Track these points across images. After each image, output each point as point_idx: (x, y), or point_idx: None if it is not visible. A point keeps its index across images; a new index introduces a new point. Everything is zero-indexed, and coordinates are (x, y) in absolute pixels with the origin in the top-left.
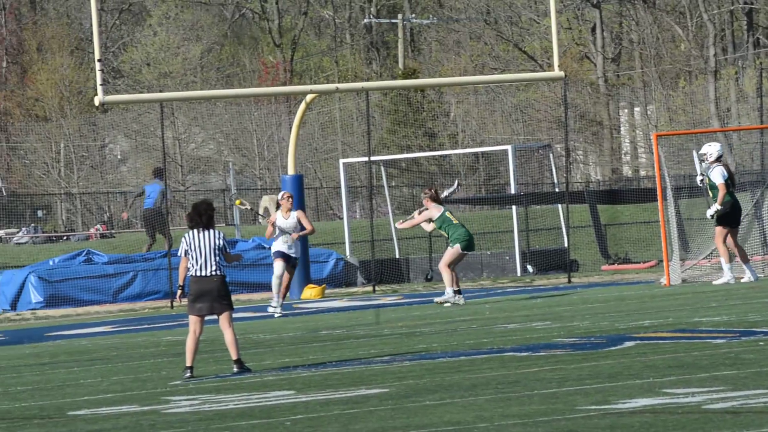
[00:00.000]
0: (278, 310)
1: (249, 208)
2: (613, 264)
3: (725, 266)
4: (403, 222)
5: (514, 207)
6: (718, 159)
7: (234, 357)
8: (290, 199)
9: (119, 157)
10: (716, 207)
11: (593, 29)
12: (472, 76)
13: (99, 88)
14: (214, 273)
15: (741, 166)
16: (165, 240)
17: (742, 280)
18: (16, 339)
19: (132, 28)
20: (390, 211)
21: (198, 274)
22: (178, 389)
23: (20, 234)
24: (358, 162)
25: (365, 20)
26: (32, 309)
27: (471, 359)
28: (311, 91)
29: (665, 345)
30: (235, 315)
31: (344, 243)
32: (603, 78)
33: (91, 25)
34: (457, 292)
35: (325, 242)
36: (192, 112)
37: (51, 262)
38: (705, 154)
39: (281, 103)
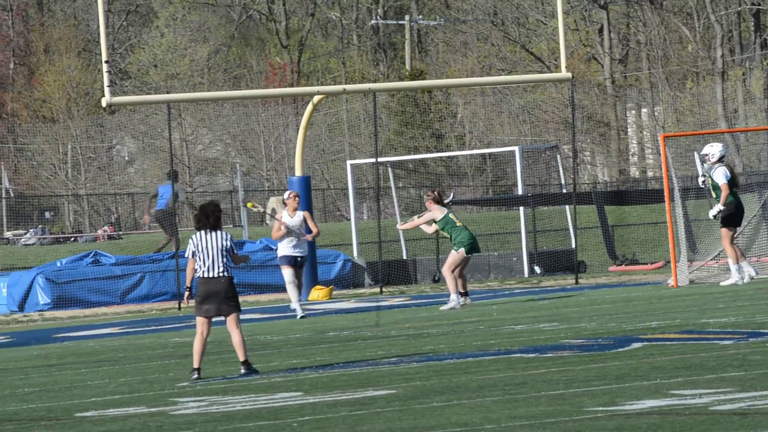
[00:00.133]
0: (299, 310)
1: (261, 210)
2: (621, 265)
3: (733, 267)
4: (404, 223)
5: (521, 208)
6: (720, 159)
7: (241, 358)
8: (296, 198)
9: (126, 158)
10: (719, 208)
11: (600, 30)
12: (480, 78)
13: (106, 90)
14: (221, 274)
15: (748, 167)
16: (172, 241)
17: (722, 283)
18: (23, 340)
19: (139, 29)
20: (397, 212)
21: (205, 275)
22: (186, 391)
23: (28, 235)
24: (366, 163)
25: (372, 21)
26: (40, 310)
27: (478, 360)
28: (318, 93)
29: (673, 346)
30: (242, 316)
31: (352, 244)
32: (610, 79)
33: (99, 27)
34: (464, 294)
35: (332, 243)
36: (199, 114)
37: (58, 264)
38: (707, 155)
39: (288, 105)
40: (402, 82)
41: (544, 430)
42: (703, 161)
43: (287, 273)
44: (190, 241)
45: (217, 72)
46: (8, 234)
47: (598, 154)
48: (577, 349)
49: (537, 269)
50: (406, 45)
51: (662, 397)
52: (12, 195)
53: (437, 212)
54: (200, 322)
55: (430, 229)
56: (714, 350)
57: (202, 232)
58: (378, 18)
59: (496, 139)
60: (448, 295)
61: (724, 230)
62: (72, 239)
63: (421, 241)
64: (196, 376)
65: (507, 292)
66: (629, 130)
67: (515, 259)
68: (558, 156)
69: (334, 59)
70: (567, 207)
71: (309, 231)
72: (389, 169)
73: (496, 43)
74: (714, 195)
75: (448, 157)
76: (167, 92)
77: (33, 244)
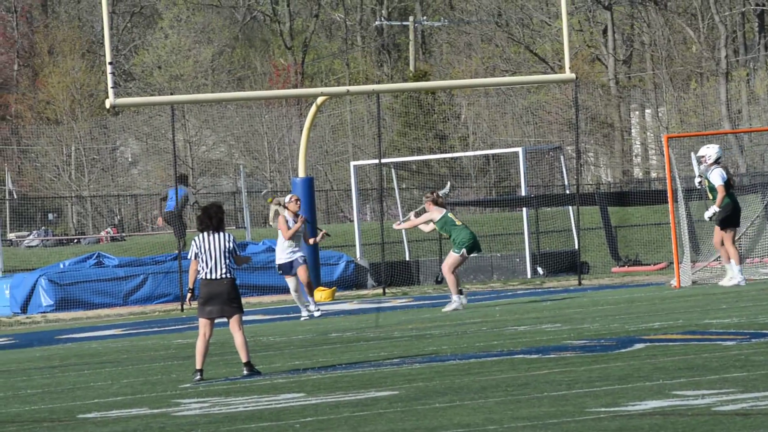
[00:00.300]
0: (314, 311)
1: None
2: (624, 266)
3: (735, 268)
4: (400, 223)
5: (524, 209)
6: (717, 161)
7: (244, 360)
8: (298, 202)
9: (130, 159)
10: (714, 209)
11: (604, 31)
12: (483, 79)
13: (110, 91)
14: (224, 276)
15: (752, 167)
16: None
17: (722, 283)
18: (26, 342)
19: (143, 31)
20: (401, 213)
21: (208, 276)
22: (188, 392)
23: (31, 237)
24: (369, 164)
25: (376, 23)
26: (43, 312)
27: (481, 361)
28: (322, 94)
29: (675, 347)
30: (245, 318)
31: (355, 245)
32: (614, 80)
33: (103, 28)
34: (459, 292)
35: (335, 245)
36: (203, 115)
37: (61, 265)
38: (703, 156)
39: (292, 106)
40: (406, 83)
41: (546, 431)
42: (699, 162)
43: (291, 282)
44: (193, 242)
45: (221, 73)
46: (11, 236)
47: (602, 155)
48: (580, 350)
49: (540, 270)
50: (410, 46)
51: (665, 397)
52: (15, 197)
53: (435, 213)
54: (203, 323)
55: (428, 228)
56: (717, 351)
57: (205, 233)
58: (382, 19)
59: (500, 140)
60: (451, 297)
61: (724, 232)
62: (75, 241)
63: (423, 242)
64: (198, 377)
65: (510, 293)
66: (633, 130)
67: (518, 260)
68: (561, 157)
69: (338, 60)
70: (570, 208)
71: (312, 234)
72: (392, 171)
73: (500, 44)
74: (711, 196)
75: (452, 158)
76: (171, 93)
77: (36, 246)
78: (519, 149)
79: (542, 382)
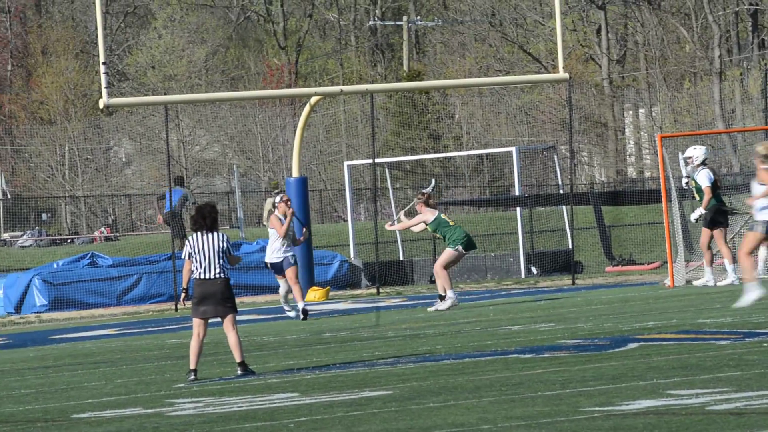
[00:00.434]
0: (299, 313)
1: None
2: (618, 265)
3: (729, 267)
4: (392, 224)
5: (518, 208)
6: (704, 162)
7: (238, 359)
8: (288, 203)
9: (124, 159)
10: (700, 211)
11: (598, 31)
12: (477, 78)
13: (104, 91)
14: (218, 276)
15: (746, 167)
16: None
17: (695, 283)
18: (20, 342)
19: (137, 31)
20: (394, 213)
21: (202, 276)
22: (182, 392)
23: (24, 237)
24: (363, 164)
25: (370, 22)
26: (36, 312)
27: (475, 361)
28: (316, 94)
29: (669, 346)
30: (239, 317)
31: (349, 245)
32: (608, 79)
33: (96, 28)
34: (443, 298)
35: (329, 244)
36: (196, 115)
37: (55, 265)
38: (690, 157)
39: (286, 106)
40: (399, 83)
41: (540, 430)
42: (686, 164)
43: (282, 283)
44: (187, 242)
45: (215, 73)
46: (5, 236)
47: (596, 155)
48: (574, 350)
49: (534, 270)
50: (403, 46)
51: (659, 397)
52: (9, 197)
53: (428, 214)
54: (197, 323)
55: (418, 228)
56: (710, 350)
57: (199, 233)
58: (376, 19)
59: (494, 139)
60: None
61: (716, 232)
62: (69, 241)
63: (417, 242)
64: (192, 377)
65: (504, 293)
66: (626, 130)
67: (512, 259)
68: (555, 156)
69: (331, 60)
70: (564, 207)
71: (300, 232)
72: (386, 170)
73: (493, 43)
74: (698, 197)
75: (446, 157)
76: (165, 93)
77: (30, 246)
78: (513, 149)
79: (536, 381)
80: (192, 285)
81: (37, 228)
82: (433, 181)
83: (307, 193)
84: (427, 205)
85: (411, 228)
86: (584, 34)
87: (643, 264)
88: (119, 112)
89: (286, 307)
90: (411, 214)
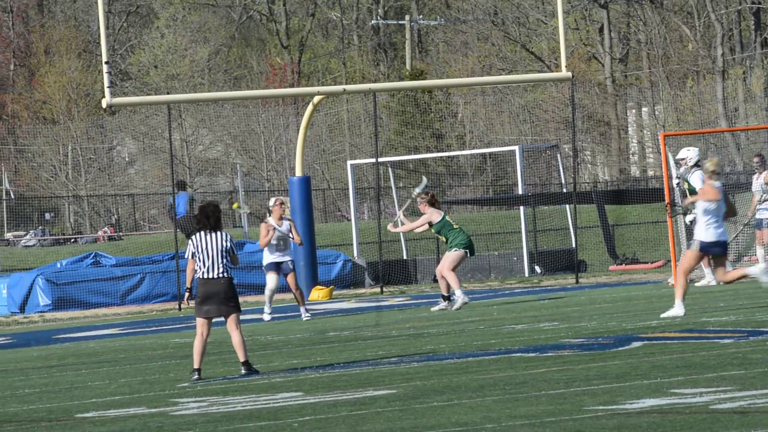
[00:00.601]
0: (267, 316)
1: (248, 212)
2: (621, 264)
3: (706, 270)
4: (395, 226)
5: (521, 207)
6: (696, 164)
7: (242, 359)
8: (283, 206)
9: (127, 159)
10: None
11: (601, 30)
12: (480, 77)
13: (106, 91)
14: (221, 275)
15: (749, 165)
16: None
17: (697, 284)
18: (24, 341)
19: (139, 30)
20: (398, 212)
21: (205, 276)
22: (186, 391)
23: (28, 237)
24: (366, 163)
25: (373, 21)
26: (40, 312)
27: (479, 360)
28: (319, 93)
29: (673, 345)
30: (242, 317)
31: (352, 244)
32: (610, 78)
33: (99, 28)
34: (446, 298)
35: (333, 244)
36: (199, 114)
37: (59, 265)
38: (683, 159)
39: (289, 105)
40: (402, 82)
41: (544, 430)
42: (678, 165)
43: (271, 279)
44: (190, 242)
45: (218, 72)
46: (8, 235)
47: (599, 154)
48: (578, 349)
49: (537, 269)
50: (406, 45)
51: (662, 395)
52: (12, 196)
53: (435, 215)
54: (200, 322)
55: (421, 228)
56: (714, 349)
57: (202, 232)
58: (378, 18)
59: (497, 138)
60: (441, 295)
61: None
62: (72, 240)
63: (421, 241)
64: (196, 376)
65: (507, 292)
66: (630, 129)
67: (515, 258)
68: (558, 155)
69: (334, 59)
70: (567, 206)
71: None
72: (390, 169)
73: (496, 42)
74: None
75: (449, 156)
76: (167, 93)
77: (33, 246)
78: (516, 148)
79: (540, 380)
80: (196, 284)
81: (40, 228)
82: (424, 179)
83: (311, 193)
84: (432, 205)
85: (414, 230)
86: (587, 33)
87: (647, 263)
88: (122, 112)
89: (267, 309)
90: (415, 213)
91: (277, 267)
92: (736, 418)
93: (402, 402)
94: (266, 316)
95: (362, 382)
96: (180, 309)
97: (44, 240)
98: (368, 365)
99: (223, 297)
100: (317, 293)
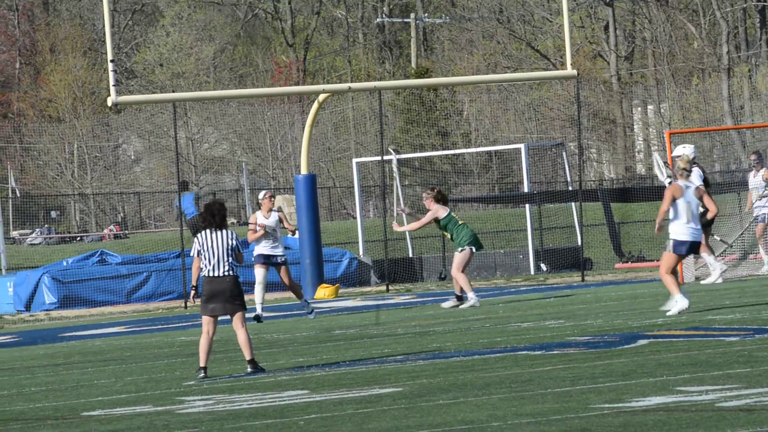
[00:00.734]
0: (259, 310)
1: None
2: (627, 262)
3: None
4: (399, 225)
5: (527, 205)
6: (693, 161)
7: (247, 357)
8: (272, 199)
9: (132, 157)
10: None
11: (606, 27)
12: (485, 75)
13: (112, 89)
14: (226, 273)
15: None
16: None
17: (702, 282)
18: (30, 340)
19: (145, 28)
20: (405, 219)
21: (211, 274)
22: (192, 389)
23: (34, 235)
24: (371, 161)
25: (378, 20)
26: (46, 310)
27: (484, 358)
28: (324, 91)
29: (679, 343)
30: (248, 315)
31: (358, 242)
32: (616, 76)
33: (104, 26)
34: (459, 298)
35: (338, 242)
36: (205, 112)
37: (64, 263)
38: (680, 156)
39: (294, 103)
40: (407, 80)
41: (550, 427)
42: (666, 163)
43: (259, 273)
44: (196, 240)
45: (223, 71)
46: (14, 233)
47: (604, 151)
48: (584, 346)
49: (543, 267)
50: (411, 43)
51: (668, 393)
52: (18, 195)
53: (441, 211)
54: (206, 321)
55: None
56: (720, 347)
57: (208, 231)
58: (383, 16)
59: (502, 136)
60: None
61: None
62: (78, 239)
63: (426, 239)
64: (202, 374)
65: (513, 290)
66: (635, 127)
67: (521, 256)
68: (564, 153)
69: (339, 57)
70: (573, 204)
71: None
72: (395, 167)
73: (501, 40)
74: None
75: (454, 154)
76: (173, 91)
77: (39, 244)
78: (521, 146)
79: (546, 378)
80: (201, 282)
81: (46, 226)
82: (391, 150)
83: (316, 191)
84: (437, 201)
85: (419, 227)
86: (592, 31)
87: (653, 261)
88: (128, 110)
89: (258, 308)
90: (421, 210)
91: (266, 260)
92: (742, 416)
93: (408, 400)
94: (258, 311)
95: (368, 380)
96: (186, 307)
97: (50, 238)
98: (374, 363)
99: (228, 295)
100: (323, 291)
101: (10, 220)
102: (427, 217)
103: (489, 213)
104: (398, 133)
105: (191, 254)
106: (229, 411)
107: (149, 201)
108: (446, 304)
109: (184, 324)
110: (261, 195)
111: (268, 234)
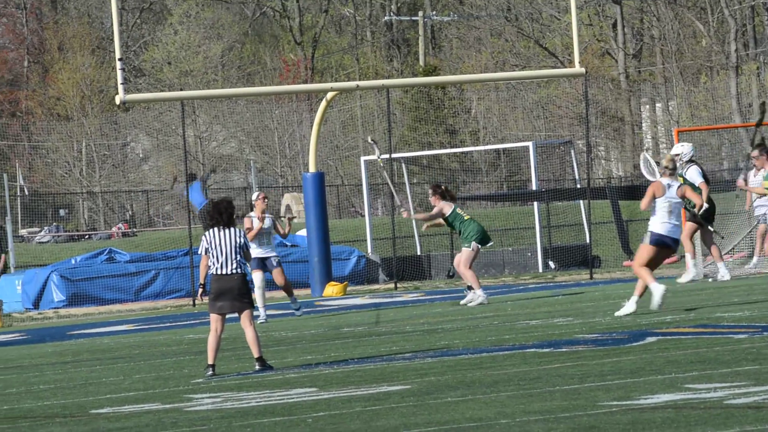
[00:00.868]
0: (263, 315)
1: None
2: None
3: (690, 262)
4: (408, 214)
5: (535, 203)
6: (691, 159)
7: (256, 355)
8: (265, 200)
9: (141, 155)
10: (705, 206)
11: (614, 25)
12: (493, 73)
13: (120, 87)
14: (234, 271)
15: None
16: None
17: (717, 279)
18: (38, 338)
19: (153, 26)
20: (411, 208)
21: (219, 272)
22: (200, 387)
23: (42, 233)
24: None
25: (386, 18)
26: (54, 308)
27: (493, 356)
28: (332, 89)
29: (687, 340)
30: (256, 313)
31: (366, 240)
32: (624, 74)
33: (112, 24)
34: (469, 287)
35: (347, 239)
36: (213, 111)
37: (73, 261)
38: (678, 155)
39: (302, 101)
40: (416, 78)
41: (558, 425)
42: (658, 163)
43: (257, 277)
44: (203, 238)
45: (231, 69)
46: (23, 232)
47: (613, 149)
48: (592, 344)
49: (551, 264)
50: (419, 41)
51: (677, 391)
52: (27, 193)
53: (446, 207)
54: (214, 318)
55: (437, 221)
56: (728, 344)
57: (216, 229)
58: (391, 14)
59: (510, 134)
60: (463, 291)
61: (690, 225)
62: (86, 237)
63: (435, 236)
64: (210, 372)
65: (521, 288)
66: (643, 124)
67: (529, 254)
68: (572, 151)
69: (347, 56)
70: (581, 202)
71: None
72: (403, 165)
73: (509, 38)
74: None
75: (462, 152)
76: (181, 89)
77: (48, 242)
78: (529, 143)
79: (554, 375)
80: (209, 280)
81: (54, 224)
82: (370, 140)
83: (324, 189)
84: (443, 198)
85: (429, 220)
86: (600, 29)
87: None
88: (136, 108)
89: (261, 312)
90: (428, 209)
91: (262, 263)
92: (750, 414)
93: (416, 397)
94: (261, 317)
95: (376, 378)
96: (194, 305)
97: (58, 236)
98: (382, 361)
99: (236, 293)
100: (331, 289)
101: (19, 218)
102: (435, 212)
103: (497, 211)
104: (406, 131)
105: (199, 252)
106: (238, 409)
107: (157, 199)
108: (464, 302)
109: (193, 322)
110: (254, 196)
111: (262, 237)
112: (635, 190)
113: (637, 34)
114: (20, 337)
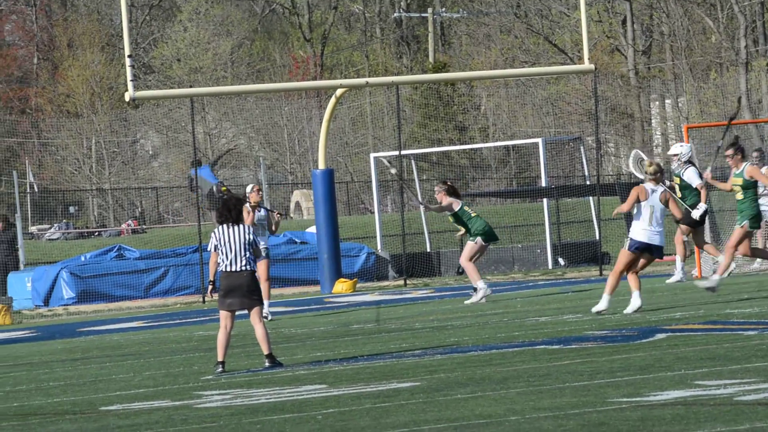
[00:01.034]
0: (266, 314)
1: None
2: None
3: (679, 264)
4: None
5: (545, 200)
6: (689, 160)
7: (265, 352)
8: (259, 192)
9: (150, 152)
10: (704, 207)
11: (624, 22)
12: (503, 70)
13: (129, 84)
14: (244, 268)
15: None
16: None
17: (667, 281)
18: (48, 334)
19: (162, 24)
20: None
21: (228, 269)
22: (210, 384)
23: (52, 230)
24: (389, 156)
25: (395, 14)
26: (64, 305)
27: (502, 352)
28: (341, 86)
29: (697, 337)
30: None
31: (375, 237)
32: (634, 70)
33: (122, 21)
34: (474, 289)
35: (356, 236)
36: (222, 107)
37: (83, 258)
38: (676, 155)
39: (312, 98)
40: (425, 75)
41: (568, 422)
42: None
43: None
44: (213, 234)
45: (241, 66)
46: (33, 229)
47: (622, 146)
48: (601, 341)
49: (561, 261)
50: (429, 37)
51: (686, 387)
52: (36, 190)
53: (454, 204)
54: (223, 315)
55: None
56: (738, 341)
57: (225, 225)
58: (401, 11)
59: (520, 131)
60: (471, 287)
61: (684, 227)
62: (96, 234)
63: (444, 233)
64: (220, 369)
65: (531, 284)
66: (653, 121)
67: (539, 251)
68: (581, 147)
69: (357, 52)
70: (591, 198)
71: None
72: (413, 162)
73: (519, 35)
74: (681, 195)
75: (472, 149)
76: (190, 86)
77: (57, 239)
78: (539, 140)
79: (564, 372)
80: (219, 277)
81: (64, 221)
82: (386, 162)
83: (334, 185)
84: (450, 194)
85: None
86: (610, 25)
87: (671, 255)
88: (145, 105)
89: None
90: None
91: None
92: (760, 410)
93: (426, 394)
94: (264, 312)
95: (386, 375)
96: (204, 302)
97: (68, 233)
98: (392, 358)
99: (246, 290)
100: (341, 286)
101: (29, 215)
102: (445, 203)
103: (507, 207)
104: (416, 127)
105: (208, 249)
106: (247, 405)
107: (167, 196)
108: (470, 301)
109: (202, 319)
110: (248, 189)
111: (257, 228)
112: None
113: (646, 30)
114: (30, 334)
